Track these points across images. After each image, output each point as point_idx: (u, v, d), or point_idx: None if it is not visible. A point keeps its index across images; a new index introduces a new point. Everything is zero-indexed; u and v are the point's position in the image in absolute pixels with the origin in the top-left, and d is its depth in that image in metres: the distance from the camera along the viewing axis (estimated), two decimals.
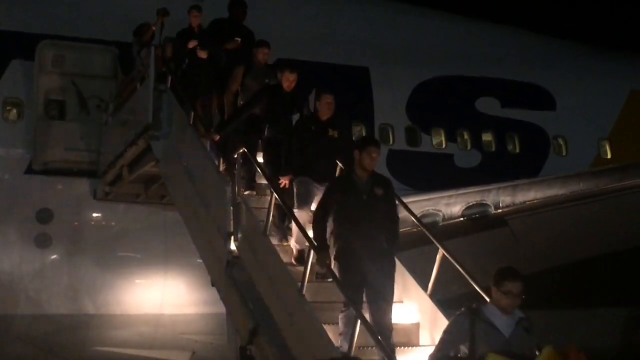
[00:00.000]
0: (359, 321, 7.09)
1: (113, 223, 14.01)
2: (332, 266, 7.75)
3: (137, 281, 13.84)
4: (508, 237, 13.55)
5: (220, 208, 9.43)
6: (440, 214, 13.87)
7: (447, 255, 8.32)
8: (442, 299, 8.48)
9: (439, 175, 15.71)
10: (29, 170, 13.56)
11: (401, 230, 8.33)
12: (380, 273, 7.69)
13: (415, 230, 9.46)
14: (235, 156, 9.47)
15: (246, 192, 9.77)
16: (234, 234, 9.16)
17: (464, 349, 5.84)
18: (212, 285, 9.72)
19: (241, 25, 12.17)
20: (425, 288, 8.46)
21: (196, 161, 10.39)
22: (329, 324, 7.76)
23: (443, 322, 8.03)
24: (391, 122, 16.04)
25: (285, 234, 9.40)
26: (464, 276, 8.14)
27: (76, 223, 13.74)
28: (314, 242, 7.89)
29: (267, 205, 8.93)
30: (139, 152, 11.94)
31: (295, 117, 10.33)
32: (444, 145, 16.49)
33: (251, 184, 10.14)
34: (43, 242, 13.41)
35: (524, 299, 5.89)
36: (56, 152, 13.54)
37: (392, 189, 8.17)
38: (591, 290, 14.43)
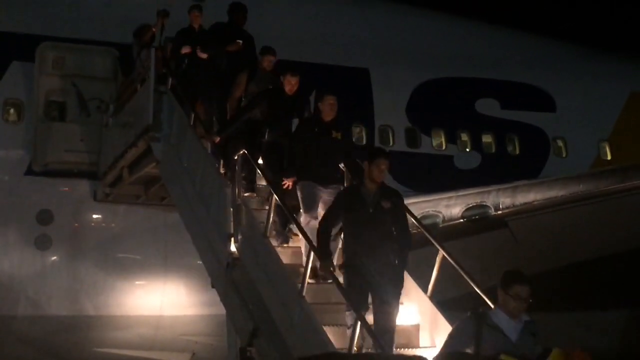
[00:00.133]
0: (359, 323, 7.10)
1: (113, 224, 14.01)
2: (337, 273, 7.73)
3: (137, 282, 13.84)
4: (508, 238, 13.55)
5: (221, 209, 9.43)
6: (440, 215, 13.88)
7: (447, 257, 8.32)
8: (442, 301, 8.48)
9: (439, 177, 15.73)
10: (29, 172, 13.57)
11: None
12: (386, 284, 7.63)
13: (415, 231, 9.47)
14: (235, 158, 9.47)
15: (246, 194, 9.76)
16: (234, 235, 9.17)
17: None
18: (212, 286, 9.73)
19: (241, 29, 12.08)
20: (425, 289, 8.47)
21: (196, 162, 10.39)
22: (328, 325, 7.77)
23: (443, 324, 8.06)
24: (391, 124, 16.05)
25: (286, 238, 9.39)
26: (464, 278, 8.14)
27: (76, 224, 13.74)
28: (317, 249, 7.85)
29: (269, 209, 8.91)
30: (139, 154, 11.93)
31: (296, 120, 10.28)
32: (444, 147, 16.49)
33: (251, 186, 10.13)
34: (43, 243, 13.41)
35: (531, 303, 5.82)
36: (56, 154, 13.54)
37: (401, 201, 8.08)
38: (591, 292, 14.43)
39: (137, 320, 13.78)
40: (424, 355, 6.42)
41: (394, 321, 7.71)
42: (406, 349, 7.95)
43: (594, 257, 13.68)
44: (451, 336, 5.98)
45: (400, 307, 8.25)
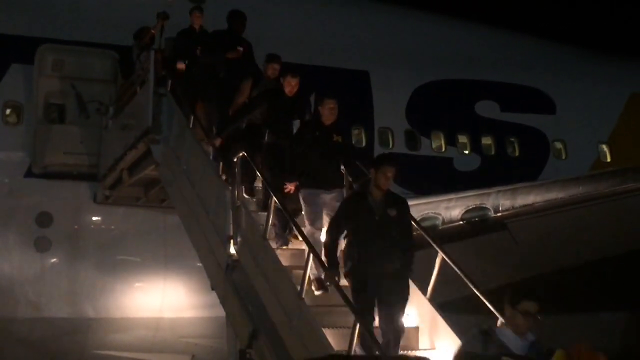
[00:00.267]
0: (358, 325, 7.10)
1: (113, 226, 14.01)
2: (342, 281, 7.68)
3: (137, 285, 13.84)
4: (508, 240, 13.54)
5: (220, 212, 9.43)
6: (440, 217, 13.87)
7: (447, 259, 8.32)
8: (442, 303, 8.48)
9: (439, 179, 15.74)
10: (29, 174, 13.57)
11: None
12: (392, 293, 7.60)
13: (415, 233, 9.45)
14: (235, 160, 9.46)
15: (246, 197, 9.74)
16: (234, 237, 9.16)
17: None
18: (212, 288, 9.72)
19: (240, 37, 11.99)
20: (424, 292, 8.46)
21: (196, 165, 10.39)
22: (328, 327, 7.76)
23: (443, 326, 8.07)
24: (391, 126, 16.06)
25: (285, 240, 9.39)
26: (463, 280, 8.14)
27: (76, 227, 13.74)
28: (322, 258, 7.81)
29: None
30: (139, 156, 11.94)
31: (297, 122, 10.25)
32: (443, 149, 16.51)
33: (250, 187, 10.12)
34: (43, 245, 13.41)
35: (539, 320, 5.69)
36: (56, 156, 13.55)
37: (407, 209, 8.02)
38: (591, 294, 14.42)
39: (136, 322, 13.77)
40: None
41: (401, 325, 7.68)
42: (405, 352, 7.94)
43: (593, 259, 13.68)
44: (456, 357, 5.83)
45: None
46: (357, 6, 17.75)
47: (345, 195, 9.01)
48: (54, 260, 13.53)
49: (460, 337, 7.91)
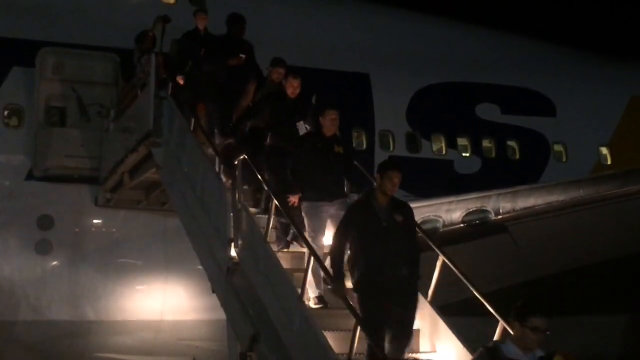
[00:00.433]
0: (358, 327, 7.10)
1: (114, 229, 14.02)
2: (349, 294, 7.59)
3: (137, 287, 13.85)
4: (508, 243, 13.53)
5: (221, 214, 9.43)
6: (441, 220, 13.87)
7: (447, 262, 8.32)
8: (443, 305, 8.48)
9: (439, 182, 15.74)
10: (30, 177, 13.58)
11: None
12: (401, 300, 7.50)
13: None
14: (236, 163, 9.46)
15: (253, 209, 9.64)
16: (235, 240, 9.16)
17: None
18: (213, 291, 9.72)
19: (241, 40, 11.87)
20: (425, 294, 8.46)
21: (196, 167, 10.39)
22: (329, 330, 7.76)
23: (443, 329, 8.07)
24: (391, 129, 16.07)
25: (287, 244, 9.39)
26: (464, 282, 8.14)
27: (77, 229, 13.75)
28: (329, 270, 7.73)
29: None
30: (140, 159, 11.94)
31: (300, 124, 10.22)
32: (444, 152, 16.53)
33: (256, 199, 10.05)
34: (44, 248, 13.42)
35: (548, 335, 5.49)
36: (57, 159, 13.55)
37: (412, 215, 7.95)
38: (592, 296, 14.42)
39: (137, 325, 13.78)
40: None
41: (411, 332, 7.61)
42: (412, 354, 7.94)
43: (594, 262, 13.68)
44: None
45: None
46: (358, 8, 17.77)
47: (348, 204, 8.95)
48: (54, 263, 13.54)
49: (461, 340, 7.93)
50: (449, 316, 8.26)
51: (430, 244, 8.60)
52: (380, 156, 15.73)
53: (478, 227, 13.73)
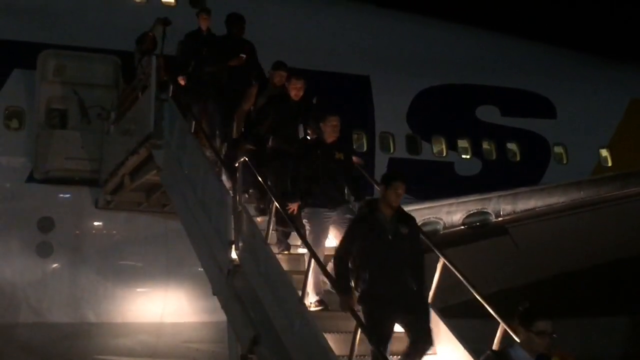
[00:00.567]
0: (359, 330, 7.10)
1: (114, 232, 14.03)
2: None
3: (138, 290, 13.84)
4: (509, 245, 13.55)
5: (222, 216, 9.43)
6: (441, 222, 13.88)
7: (448, 264, 8.32)
8: (443, 307, 8.48)
9: (440, 184, 15.75)
10: (31, 179, 13.59)
11: None
12: (412, 312, 7.43)
13: None
14: (237, 165, 9.46)
15: (259, 219, 9.58)
16: (235, 242, 9.16)
17: None
18: (214, 293, 9.73)
19: (242, 40, 11.83)
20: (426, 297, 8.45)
21: (197, 169, 10.39)
22: (329, 332, 7.77)
23: (444, 331, 8.07)
24: (392, 131, 16.08)
25: (287, 246, 9.38)
26: (465, 285, 8.14)
27: (77, 232, 13.75)
28: (336, 283, 7.65)
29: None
30: (141, 161, 11.94)
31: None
32: (444, 154, 16.53)
33: (261, 208, 10.01)
34: (44, 250, 13.42)
35: (555, 338, 5.50)
36: (57, 161, 13.56)
37: (417, 226, 7.88)
38: (592, 298, 14.43)
39: (138, 327, 13.77)
40: None
41: (429, 338, 7.53)
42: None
43: (594, 264, 13.69)
44: None
45: None
46: (358, 11, 17.78)
47: (351, 209, 8.89)
48: (55, 265, 13.54)
49: (461, 342, 7.93)
50: (449, 318, 8.25)
51: (431, 246, 8.60)
52: (380, 158, 15.76)
53: (478, 229, 13.75)
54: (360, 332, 7.12)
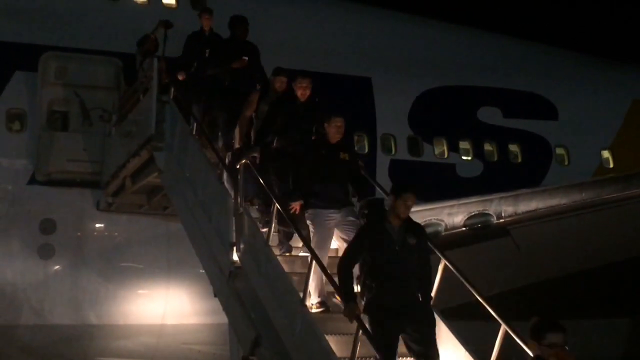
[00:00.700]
0: (360, 332, 7.10)
1: (116, 234, 14.04)
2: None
3: (139, 291, 13.85)
4: (510, 247, 13.55)
5: (223, 218, 9.43)
6: (443, 223, 13.88)
7: (450, 266, 8.31)
8: (445, 309, 8.48)
9: (441, 185, 15.74)
10: (32, 181, 13.59)
11: None
12: (418, 323, 7.40)
13: None
14: (238, 167, 9.46)
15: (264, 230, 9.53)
16: (236, 244, 9.16)
17: None
18: (215, 295, 9.73)
19: (245, 42, 11.79)
20: None
21: (198, 172, 10.40)
22: (331, 334, 7.76)
23: (446, 333, 8.06)
24: (393, 132, 16.08)
25: (289, 248, 9.38)
26: (466, 286, 8.13)
27: (79, 234, 13.76)
28: (340, 290, 7.61)
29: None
30: (142, 163, 11.95)
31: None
32: (446, 155, 16.53)
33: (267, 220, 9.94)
34: (46, 252, 13.43)
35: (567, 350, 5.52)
36: (59, 163, 13.56)
37: (425, 236, 7.82)
38: (594, 300, 14.42)
39: (139, 329, 13.78)
40: None
41: (435, 351, 7.51)
42: (407, 358, 7.94)
43: (596, 265, 13.68)
44: None
45: None
46: (359, 12, 17.79)
47: (355, 211, 8.84)
48: (57, 267, 13.55)
49: (463, 344, 7.93)
50: (450, 320, 8.25)
51: (432, 247, 8.59)
52: (382, 160, 15.75)
53: (480, 231, 13.75)
54: (362, 334, 7.11)
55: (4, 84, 13.79)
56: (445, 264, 8.34)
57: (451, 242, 12.87)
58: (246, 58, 11.49)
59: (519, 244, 13.51)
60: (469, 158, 16.69)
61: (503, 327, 7.50)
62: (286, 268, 8.73)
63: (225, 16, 12.25)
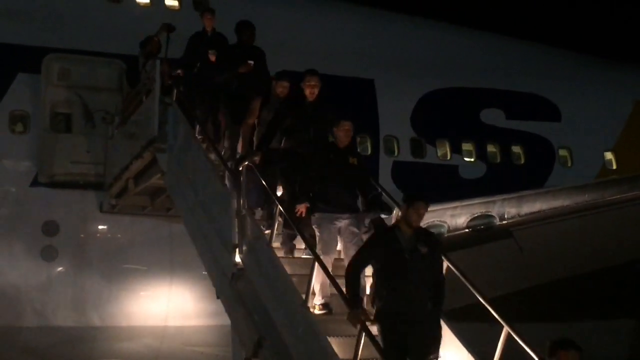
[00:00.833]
0: (363, 334, 7.09)
1: (119, 235, 14.04)
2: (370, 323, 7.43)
3: (142, 293, 13.86)
4: (513, 248, 13.55)
5: (225, 220, 9.43)
6: (446, 225, 13.89)
7: (452, 267, 8.31)
8: (447, 311, 8.47)
9: (444, 187, 15.73)
10: (35, 183, 13.61)
11: None
12: (424, 337, 7.36)
13: None
14: (240, 168, 9.46)
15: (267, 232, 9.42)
16: (239, 246, 9.16)
17: None
18: (217, 297, 9.73)
19: (252, 47, 11.70)
20: None
21: (201, 173, 10.40)
22: (333, 336, 7.76)
23: (448, 334, 8.05)
24: (396, 134, 16.07)
25: (293, 247, 9.36)
26: (469, 288, 8.13)
27: (82, 235, 13.77)
28: (346, 296, 7.56)
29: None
30: (145, 165, 11.96)
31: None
32: (448, 157, 16.52)
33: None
34: (49, 254, 13.44)
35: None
36: (62, 165, 13.59)
37: (438, 244, 7.78)
38: (598, 301, 14.40)
39: (142, 330, 13.79)
40: None
41: None
42: None
43: (599, 267, 13.67)
44: None
45: None
46: (362, 14, 17.79)
47: (360, 219, 8.78)
48: (60, 269, 13.55)
49: (466, 346, 7.92)
50: (453, 321, 8.24)
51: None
52: (385, 161, 15.75)
53: (483, 233, 13.75)
54: (365, 336, 7.11)
55: (7, 85, 13.80)
56: (448, 266, 8.33)
57: (454, 243, 12.88)
58: (252, 62, 11.44)
59: (522, 246, 13.51)
60: (472, 160, 16.68)
61: (506, 329, 7.49)
62: (289, 270, 8.72)
63: (225, 16, 12.26)
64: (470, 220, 13.85)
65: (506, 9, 31.28)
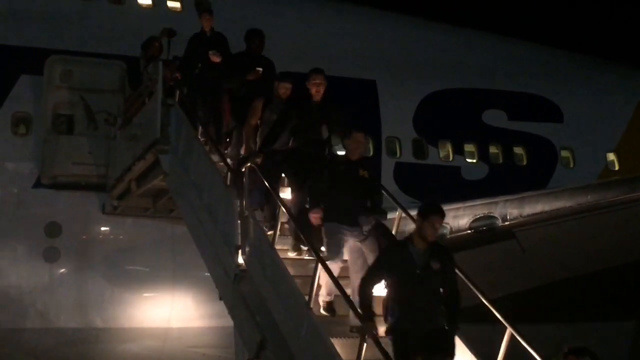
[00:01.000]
0: (366, 335, 7.09)
1: (121, 237, 14.05)
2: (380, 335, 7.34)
3: (145, 295, 13.87)
4: (516, 249, 13.53)
5: (228, 221, 9.43)
6: (448, 226, 13.88)
7: (455, 269, 8.28)
8: None
9: (446, 188, 15.73)
10: (38, 185, 13.62)
11: None
12: (437, 352, 7.20)
13: None
14: (243, 170, 9.46)
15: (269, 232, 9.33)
16: (242, 247, 9.16)
17: None
18: (220, 298, 9.73)
19: (260, 56, 11.58)
20: None
21: (203, 175, 10.41)
22: (336, 337, 7.75)
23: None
24: (398, 135, 16.07)
25: (299, 247, 9.34)
26: (471, 289, 8.11)
27: (84, 237, 13.78)
28: (358, 309, 7.47)
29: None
30: (147, 166, 11.96)
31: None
32: (451, 158, 16.51)
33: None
34: (51, 255, 13.45)
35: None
36: (64, 167, 13.59)
37: (452, 261, 7.48)
38: (600, 303, 14.39)
39: (145, 332, 13.79)
40: None
41: None
42: None
43: (602, 268, 13.66)
44: None
45: None
46: (364, 15, 17.79)
47: (367, 232, 8.57)
48: (62, 270, 13.57)
49: (468, 347, 7.91)
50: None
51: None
52: (387, 163, 15.75)
53: (485, 234, 13.74)
54: (368, 337, 7.11)
55: (9, 87, 13.83)
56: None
57: (456, 244, 12.86)
58: (260, 69, 11.38)
59: (524, 247, 13.50)
60: (474, 161, 16.68)
61: (509, 330, 7.48)
62: (292, 271, 8.71)
63: (225, 16, 12.24)
64: (473, 222, 13.84)
65: (508, 10, 31.30)
